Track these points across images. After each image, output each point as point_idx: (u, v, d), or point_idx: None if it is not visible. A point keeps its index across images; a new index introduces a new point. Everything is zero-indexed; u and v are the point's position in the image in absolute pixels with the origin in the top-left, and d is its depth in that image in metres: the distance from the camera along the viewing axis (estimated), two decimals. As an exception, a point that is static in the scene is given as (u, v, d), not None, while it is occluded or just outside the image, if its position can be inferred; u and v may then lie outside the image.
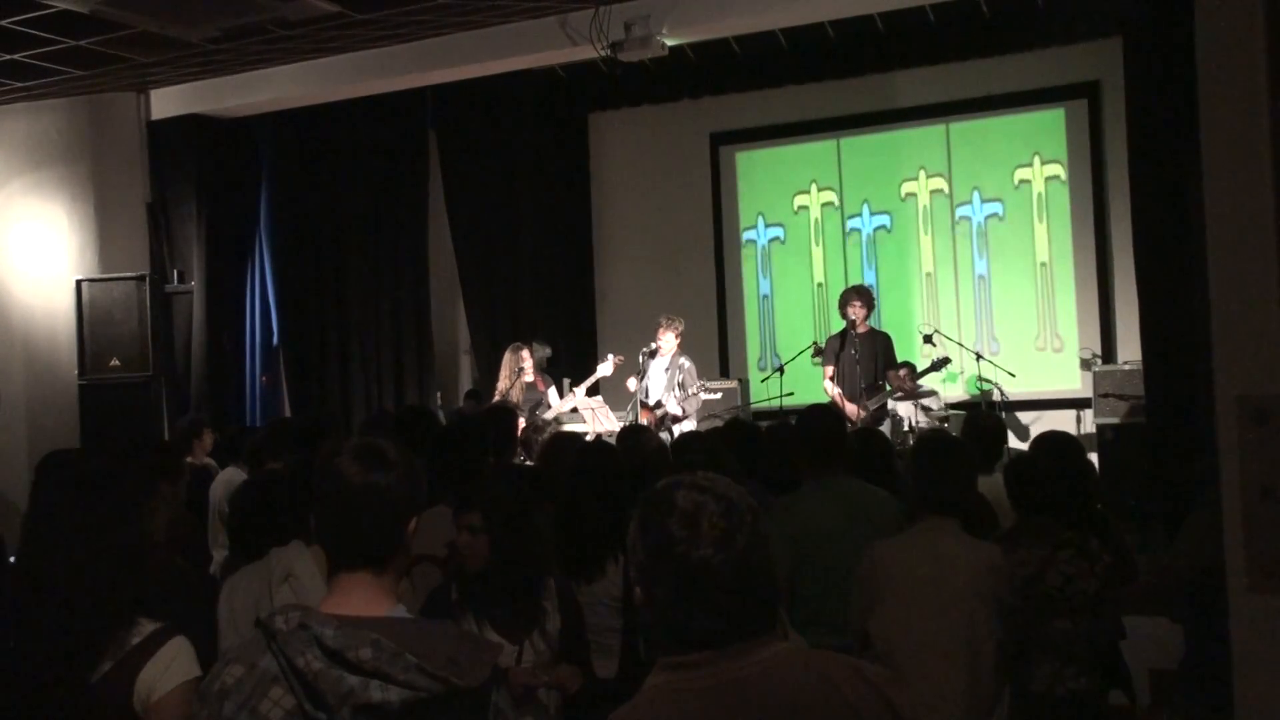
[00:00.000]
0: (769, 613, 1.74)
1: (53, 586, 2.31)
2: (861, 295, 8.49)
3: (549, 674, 3.17)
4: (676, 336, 8.52)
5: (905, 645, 3.28)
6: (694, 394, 8.34)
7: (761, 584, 1.72)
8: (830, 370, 8.52)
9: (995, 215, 10.05)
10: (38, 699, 2.25)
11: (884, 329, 9.03)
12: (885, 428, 8.07)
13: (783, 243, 10.77)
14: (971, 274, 10.12)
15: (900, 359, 8.67)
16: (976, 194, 10.09)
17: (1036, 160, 9.92)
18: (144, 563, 2.50)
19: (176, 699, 2.30)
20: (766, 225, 10.82)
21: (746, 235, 10.90)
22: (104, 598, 2.32)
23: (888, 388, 8.32)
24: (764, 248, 10.83)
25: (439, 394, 10.70)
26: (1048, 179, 9.89)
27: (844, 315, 8.53)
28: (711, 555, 1.68)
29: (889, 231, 10.39)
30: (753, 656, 1.69)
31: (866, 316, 8.44)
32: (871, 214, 10.44)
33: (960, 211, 10.15)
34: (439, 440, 4.69)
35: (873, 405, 8.19)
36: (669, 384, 8.37)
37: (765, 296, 10.87)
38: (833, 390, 8.46)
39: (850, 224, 10.52)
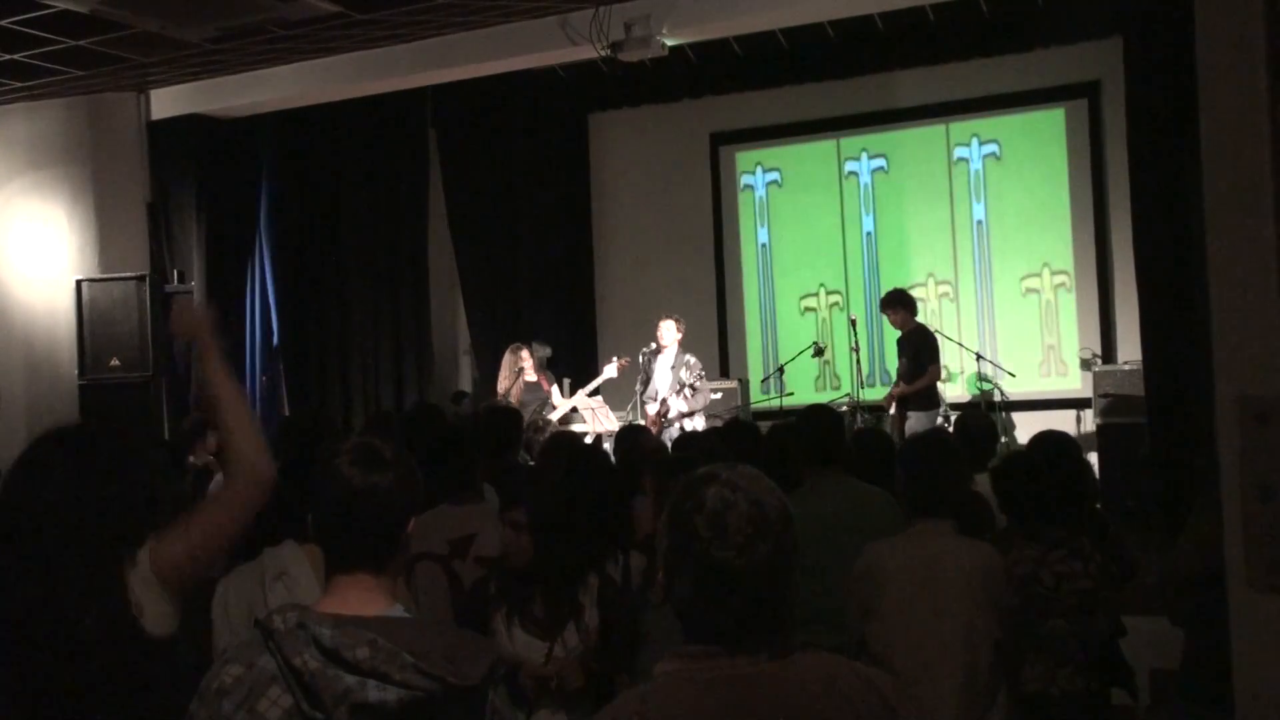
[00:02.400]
0: (785, 616, 1.74)
1: (42, 531, 2.31)
2: (888, 303, 8.56)
3: (560, 669, 3.22)
4: (678, 329, 8.56)
5: (902, 647, 3.28)
6: (700, 389, 8.35)
7: (781, 590, 1.73)
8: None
9: (995, 215, 10.03)
10: (36, 642, 2.25)
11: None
12: (913, 423, 8.12)
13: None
14: (972, 271, 10.11)
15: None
16: (976, 194, 10.08)
17: (1036, 160, 9.91)
18: (144, 508, 2.46)
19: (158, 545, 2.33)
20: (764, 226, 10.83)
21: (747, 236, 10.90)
22: (92, 541, 2.31)
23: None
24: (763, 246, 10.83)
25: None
26: (1048, 179, 9.88)
27: None
28: (733, 558, 1.68)
29: (888, 233, 10.40)
30: (763, 656, 1.70)
31: (904, 319, 8.51)
32: (870, 213, 10.46)
33: (960, 211, 10.14)
34: (439, 440, 4.68)
35: (889, 400, 8.28)
36: (674, 382, 8.39)
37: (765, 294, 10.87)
38: (890, 392, 8.62)
39: (849, 224, 10.52)
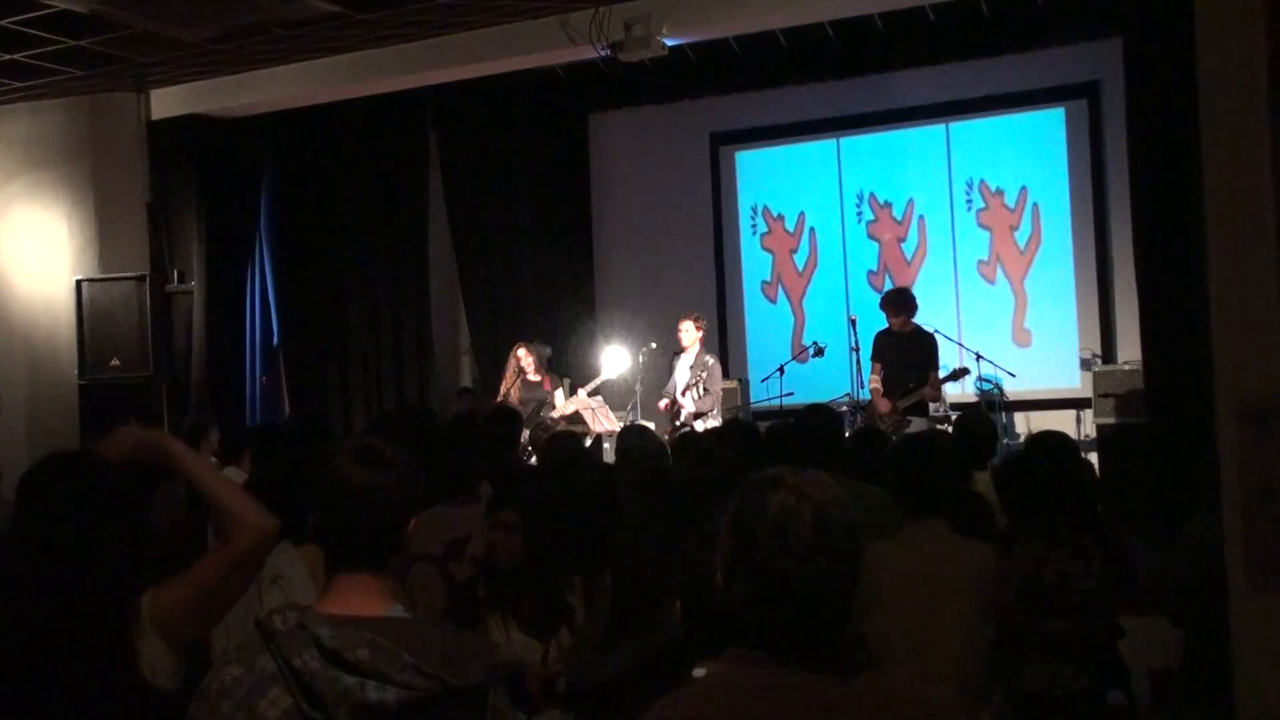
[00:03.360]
0: (841, 629, 1.73)
1: (53, 581, 2.30)
2: (891, 302, 8.52)
3: (563, 668, 3.23)
4: (697, 329, 8.57)
5: (898, 646, 3.28)
6: (711, 390, 8.37)
7: (838, 601, 1.71)
8: (877, 367, 8.58)
9: (996, 215, 10.03)
10: (42, 695, 2.24)
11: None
12: (914, 427, 8.09)
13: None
14: (972, 273, 10.10)
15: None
16: (976, 194, 10.08)
17: (1036, 160, 9.90)
18: (142, 553, 2.47)
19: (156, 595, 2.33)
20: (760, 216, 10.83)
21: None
22: (105, 592, 2.31)
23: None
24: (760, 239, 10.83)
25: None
26: (1048, 179, 9.87)
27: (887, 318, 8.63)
28: (793, 570, 1.67)
29: (889, 230, 10.39)
30: (815, 668, 1.69)
31: (906, 319, 8.46)
32: (871, 212, 10.45)
33: (960, 211, 10.14)
34: (438, 440, 4.69)
35: (904, 404, 8.25)
36: (691, 381, 8.41)
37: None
38: (874, 386, 8.55)
39: (849, 221, 10.52)
